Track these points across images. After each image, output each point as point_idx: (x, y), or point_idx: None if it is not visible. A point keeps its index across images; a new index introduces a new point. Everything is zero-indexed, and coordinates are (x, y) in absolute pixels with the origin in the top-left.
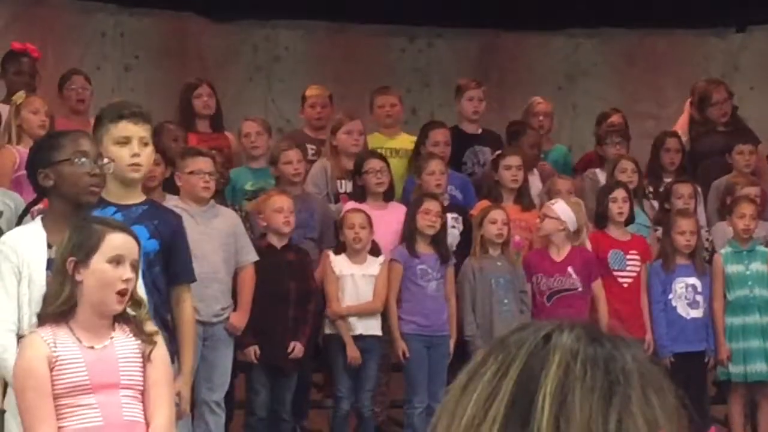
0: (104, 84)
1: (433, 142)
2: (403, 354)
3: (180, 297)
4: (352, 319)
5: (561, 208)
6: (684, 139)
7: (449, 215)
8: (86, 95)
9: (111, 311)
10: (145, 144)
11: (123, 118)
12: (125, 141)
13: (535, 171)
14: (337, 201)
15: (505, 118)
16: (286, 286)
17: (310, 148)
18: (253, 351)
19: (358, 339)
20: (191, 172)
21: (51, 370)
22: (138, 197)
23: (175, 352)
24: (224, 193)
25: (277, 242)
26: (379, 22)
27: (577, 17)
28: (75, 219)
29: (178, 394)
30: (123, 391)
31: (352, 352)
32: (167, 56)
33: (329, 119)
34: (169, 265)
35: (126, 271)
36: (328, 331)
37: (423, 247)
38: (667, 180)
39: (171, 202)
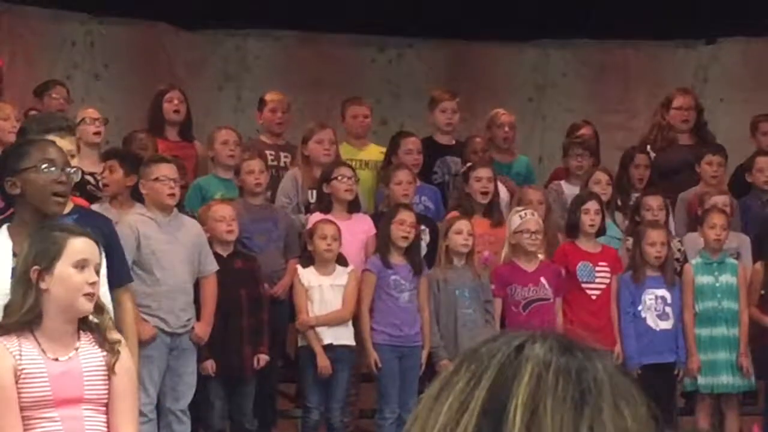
0: (74, 93)
1: (406, 150)
2: (375, 364)
3: (120, 299)
4: (322, 329)
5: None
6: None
7: None
8: (66, 108)
9: (81, 313)
10: (72, 156)
11: (50, 132)
12: None
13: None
14: (308, 211)
15: (474, 128)
16: (236, 294)
17: (270, 154)
18: (210, 365)
19: (329, 349)
20: (156, 179)
21: (16, 381)
22: (68, 206)
23: None
24: (183, 203)
25: (222, 251)
26: (349, 32)
27: (548, 28)
28: (35, 228)
29: None
30: (86, 405)
31: (322, 362)
32: (137, 65)
33: (287, 125)
34: (106, 269)
35: (91, 275)
36: (301, 343)
37: (396, 258)
38: (635, 195)
39: (136, 211)
